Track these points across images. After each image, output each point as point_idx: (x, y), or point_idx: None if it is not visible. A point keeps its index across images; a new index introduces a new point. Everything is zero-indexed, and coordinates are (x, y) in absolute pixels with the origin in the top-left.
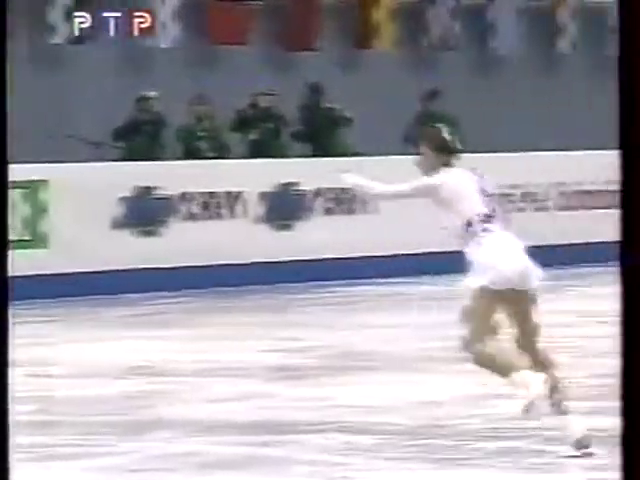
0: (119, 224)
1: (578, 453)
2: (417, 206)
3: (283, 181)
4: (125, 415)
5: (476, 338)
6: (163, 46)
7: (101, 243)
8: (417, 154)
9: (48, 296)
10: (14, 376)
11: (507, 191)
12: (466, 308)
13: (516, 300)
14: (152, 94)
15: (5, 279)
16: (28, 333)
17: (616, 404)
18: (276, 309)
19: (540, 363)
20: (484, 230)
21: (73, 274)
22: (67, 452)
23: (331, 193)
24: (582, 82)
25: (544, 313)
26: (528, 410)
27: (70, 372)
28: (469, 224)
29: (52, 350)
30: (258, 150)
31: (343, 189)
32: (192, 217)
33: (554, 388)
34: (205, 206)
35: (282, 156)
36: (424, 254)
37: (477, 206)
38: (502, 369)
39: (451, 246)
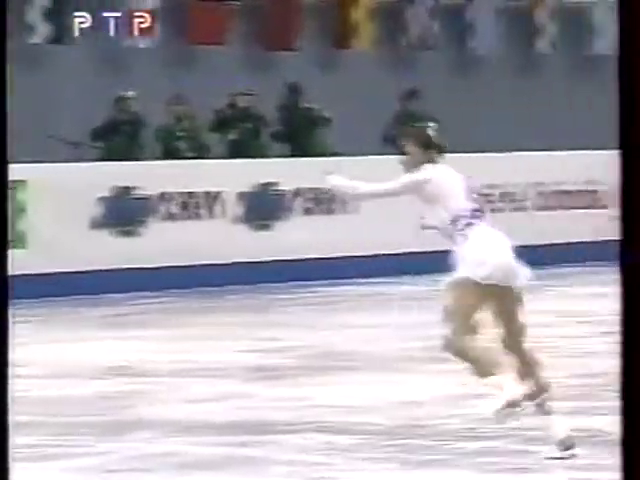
0: (98, 224)
1: (561, 455)
2: (397, 206)
3: (262, 181)
4: (104, 415)
5: (460, 333)
6: (141, 46)
7: (80, 243)
8: (396, 154)
9: (27, 296)
10: None
11: (485, 191)
12: (449, 305)
13: (501, 296)
14: (130, 94)
15: (5, 279)
16: None
17: (597, 404)
18: (257, 309)
19: (526, 363)
20: (471, 225)
21: (52, 274)
22: (46, 452)
23: (310, 193)
24: (561, 82)
25: (524, 313)
26: (499, 414)
27: (49, 372)
28: (456, 219)
29: (31, 350)
30: (237, 150)
31: (322, 189)
32: (171, 217)
33: (540, 388)
34: (184, 206)
35: (261, 156)
36: (404, 254)
37: (464, 202)
38: (484, 368)
39: (432, 246)
